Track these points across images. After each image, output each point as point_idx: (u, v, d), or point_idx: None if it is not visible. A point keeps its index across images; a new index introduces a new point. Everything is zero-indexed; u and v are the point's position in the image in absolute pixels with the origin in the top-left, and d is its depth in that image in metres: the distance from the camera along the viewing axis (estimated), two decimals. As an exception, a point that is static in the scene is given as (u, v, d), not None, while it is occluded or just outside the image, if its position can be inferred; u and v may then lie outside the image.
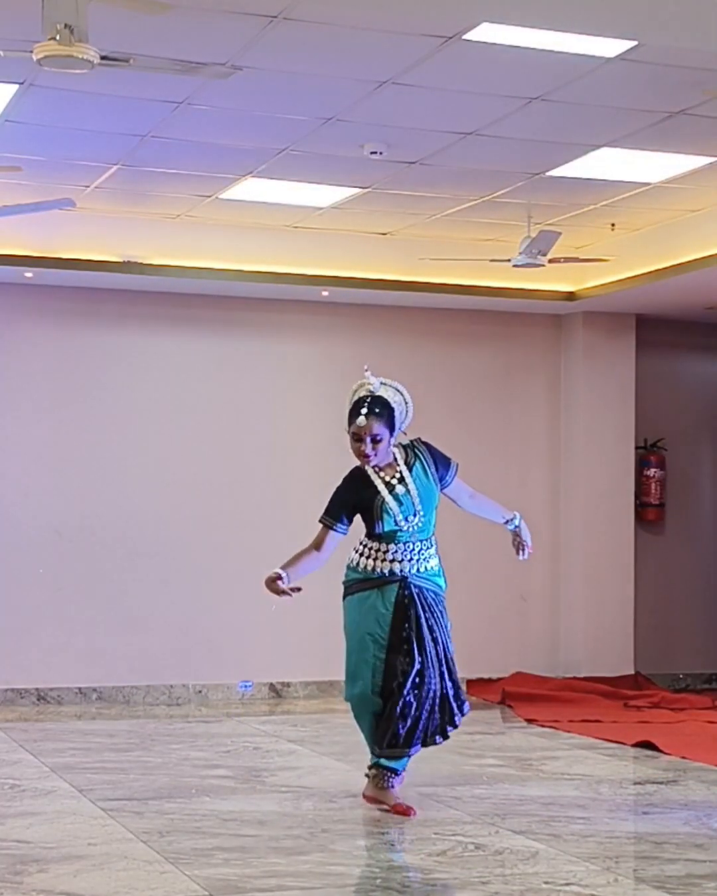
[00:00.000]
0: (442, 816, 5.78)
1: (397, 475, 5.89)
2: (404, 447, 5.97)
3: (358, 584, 5.91)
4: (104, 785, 6.44)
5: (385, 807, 5.83)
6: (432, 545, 5.94)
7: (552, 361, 10.57)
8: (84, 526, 9.47)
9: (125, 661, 9.47)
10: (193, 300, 9.73)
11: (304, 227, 9.30)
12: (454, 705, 5.89)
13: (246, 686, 9.70)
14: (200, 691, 9.62)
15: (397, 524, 5.82)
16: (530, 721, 8.73)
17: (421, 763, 6.27)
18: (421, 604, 5.86)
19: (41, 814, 5.79)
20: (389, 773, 5.88)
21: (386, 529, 5.84)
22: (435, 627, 5.88)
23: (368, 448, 5.82)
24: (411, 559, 5.87)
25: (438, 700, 5.84)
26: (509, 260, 8.55)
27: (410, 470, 5.89)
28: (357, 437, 5.83)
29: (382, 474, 5.89)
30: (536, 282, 9.79)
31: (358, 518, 5.93)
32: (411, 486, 5.85)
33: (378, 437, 5.81)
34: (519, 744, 7.89)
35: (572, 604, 10.39)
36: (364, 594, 5.88)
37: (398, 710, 5.75)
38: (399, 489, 5.85)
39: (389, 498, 5.82)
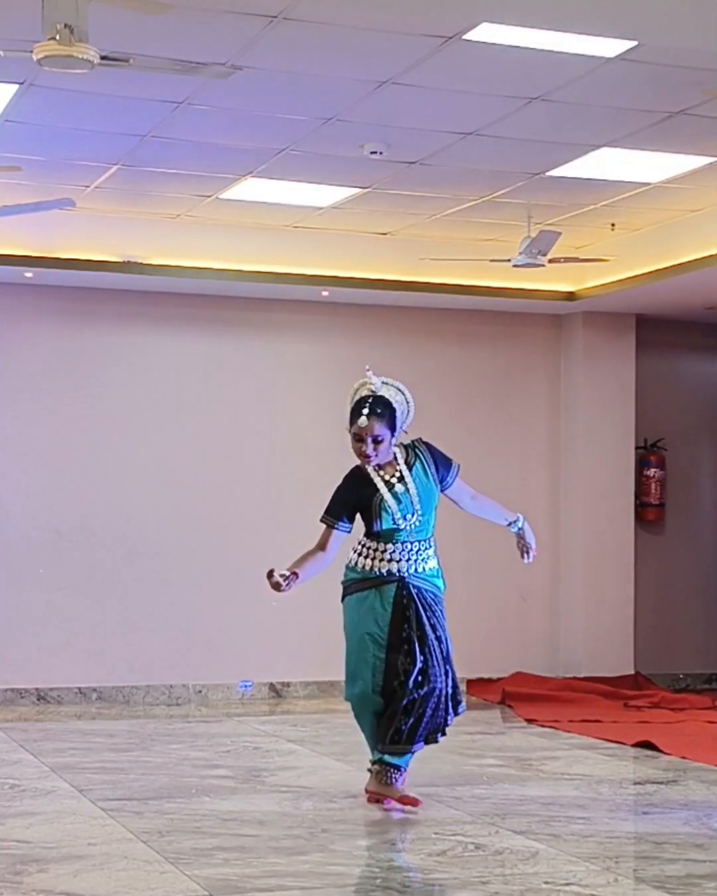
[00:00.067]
0: (442, 816, 5.78)
1: (397, 474, 5.89)
2: (405, 447, 5.97)
3: (357, 583, 5.91)
4: (104, 785, 6.44)
5: (388, 801, 5.84)
6: (430, 546, 5.94)
7: (552, 361, 10.57)
8: (84, 526, 9.47)
9: (125, 661, 9.47)
10: (193, 300, 9.72)
11: (304, 227, 9.29)
12: (450, 705, 5.91)
13: (246, 686, 9.70)
14: (199, 691, 9.62)
15: (395, 523, 5.83)
16: (530, 721, 8.72)
17: (421, 763, 6.27)
18: (420, 603, 5.86)
19: (41, 814, 5.79)
20: (392, 770, 5.88)
21: (384, 528, 5.84)
22: (438, 626, 5.89)
23: (369, 448, 5.82)
24: (410, 559, 5.87)
25: (441, 698, 5.85)
26: (509, 260, 8.55)
27: (410, 469, 5.90)
28: (358, 438, 5.84)
29: (381, 473, 5.89)
30: (536, 282, 9.79)
31: (358, 518, 5.94)
32: (411, 486, 5.86)
33: (379, 438, 5.81)
34: (519, 744, 7.89)
35: (572, 604, 10.38)
36: (363, 594, 5.88)
37: (402, 706, 5.76)
38: (398, 488, 5.86)
39: (388, 496, 5.82)
